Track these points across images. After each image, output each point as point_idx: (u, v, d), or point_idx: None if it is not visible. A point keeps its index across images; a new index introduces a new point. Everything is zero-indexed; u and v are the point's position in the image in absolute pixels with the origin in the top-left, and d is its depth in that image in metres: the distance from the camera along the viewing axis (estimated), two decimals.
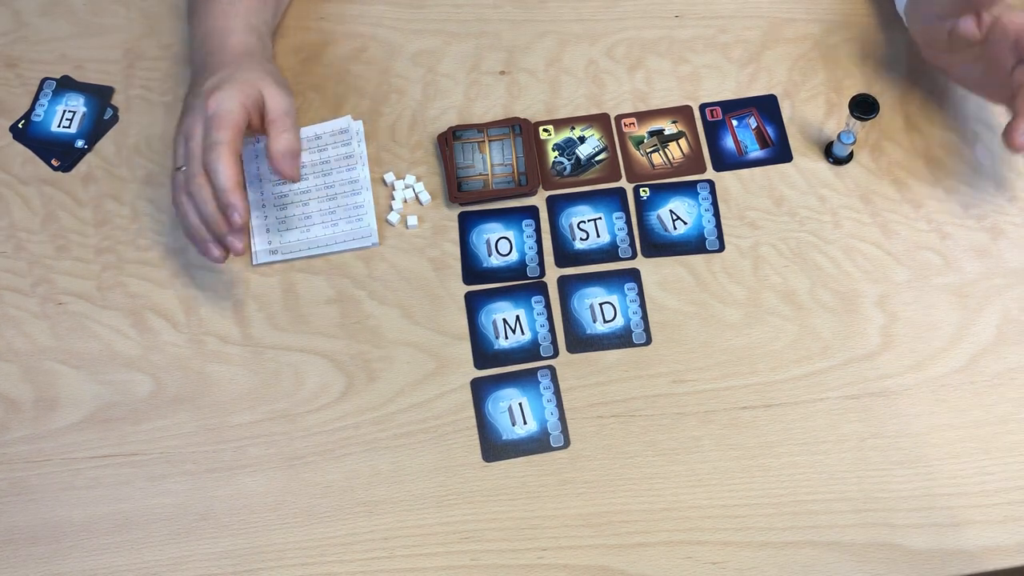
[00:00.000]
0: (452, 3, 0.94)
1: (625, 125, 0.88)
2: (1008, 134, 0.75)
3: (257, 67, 0.79)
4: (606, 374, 0.79)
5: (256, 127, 0.78)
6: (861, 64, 0.90)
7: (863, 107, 0.80)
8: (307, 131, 0.87)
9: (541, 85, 0.90)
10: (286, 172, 0.77)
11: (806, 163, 0.86)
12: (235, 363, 0.80)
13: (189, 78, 0.83)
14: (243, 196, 0.74)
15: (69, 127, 0.89)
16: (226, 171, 0.73)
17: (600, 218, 0.84)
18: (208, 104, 0.75)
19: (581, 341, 0.80)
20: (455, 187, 0.85)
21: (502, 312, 0.81)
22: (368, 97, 0.89)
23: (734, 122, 0.88)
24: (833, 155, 0.86)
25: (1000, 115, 0.87)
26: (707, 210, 0.84)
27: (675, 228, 0.84)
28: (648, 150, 0.87)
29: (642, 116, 0.88)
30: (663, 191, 0.85)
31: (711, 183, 0.85)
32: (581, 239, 0.84)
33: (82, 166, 0.87)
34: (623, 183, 0.86)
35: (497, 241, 0.84)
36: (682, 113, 0.88)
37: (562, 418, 0.77)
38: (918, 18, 0.82)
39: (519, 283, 0.82)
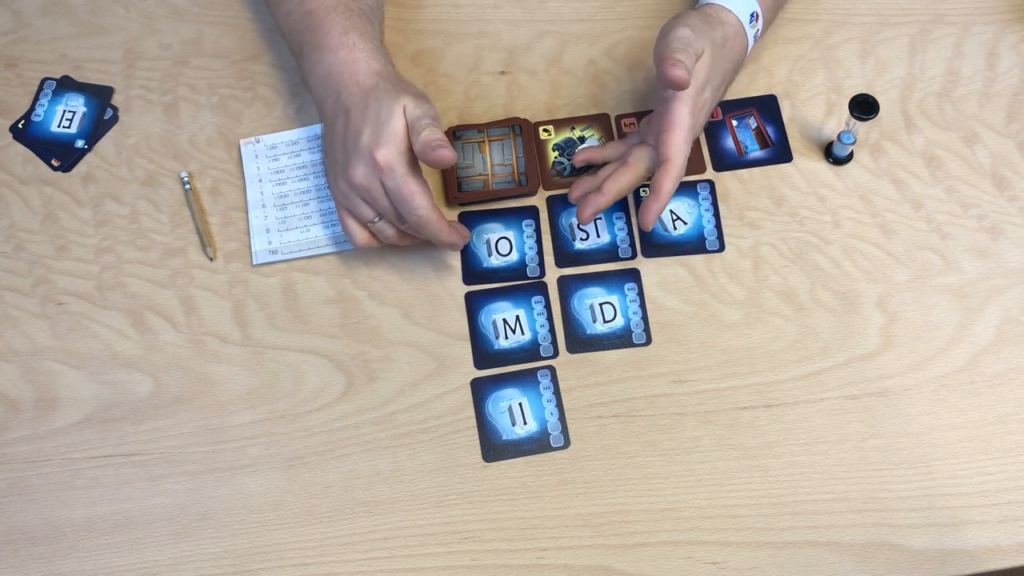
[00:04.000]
0: (452, 3, 0.94)
1: (625, 125, 0.88)
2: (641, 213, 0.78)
3: (391, 92, 0.76)
4: (606, 374, 0.79)
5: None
6: (861, 64, 0.90)
7: (863, 107, 0.80)
8: (307, 131, 0.87)
9: (541, 85, 0.90)
10: (433, 159, 0.74)
11: (806, 163, 0.86)
12: (235, 363, 0.80)
13: (319, 116, 0.82)
14: (460, 233, 0.79)
15: (69, 127, 0.89)
16: (440, 232, 0.77)
17: (600, 218, 0.84)
18: (382, 169, 0.74)
19: (581, 341, 0.80)
20: (455, 187, 0.85)
21: (502, 312, 0.81)
22: None
23: (734, 122, 0.88)
24: (833, 155, 0.86)
25: (1000, 117, 0.87)
26: (707, 210, 0.84)
27: (675, 228, 0.84)
28: None
29: (642, 116, 0.88)
30: None
31: (711, 183, 0.85)
32: (581, 239, 0.84)
33: (82, 166, 0.87)
34: None
35: (497, 241, 0.84)
36: None
37: (562, 418, 0.77)
38: None
39: (519, 283, 0.82)
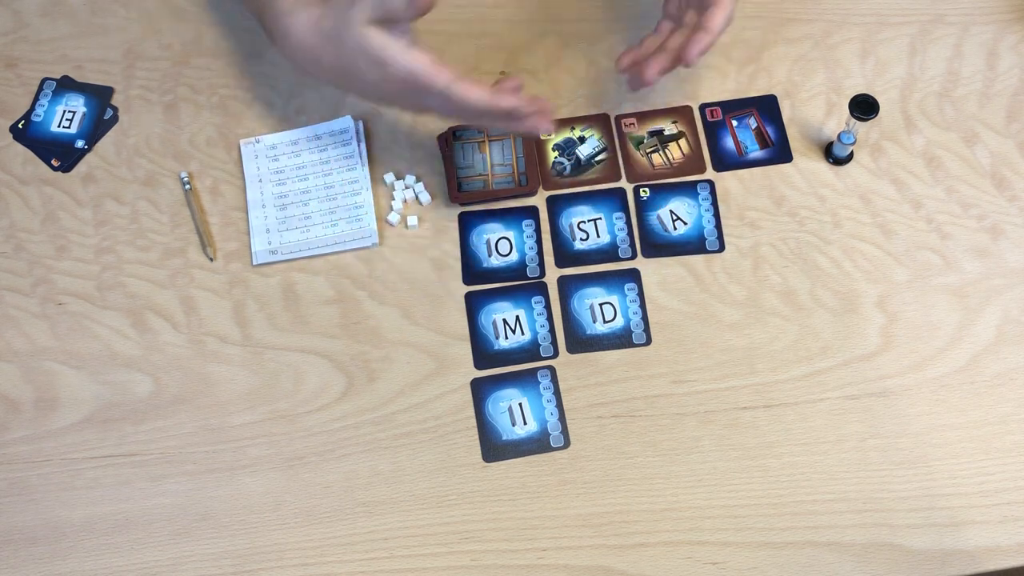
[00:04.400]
0: (452, 3, 0.94)
1: (625, 125, 0.88)
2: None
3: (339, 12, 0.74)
4: (606, 374, 0.79)
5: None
6: (861, 64, 0.90)
7: (863, 107, 0.80)
8: (307, 131, 0.87)
9: (541, 85, 0.90)
10: (422, 3, 0.72)
11: (806, 163, 0.86)
12: (235, 363, 0.80)
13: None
14: (509, 94, 0.73)
15: (69, 127, 0.89)
16: (477, 100, 0.73)
17: (600, 218, 0.84)
18: (390, 66, 0.72)
19: (581, 341, 0.80)
20: (455, 187, 0.85)
21: (502, 312, 0.81)
22: None
23: (734, 122, 0.88)
24: (833, 155, 0.86)
25: (1000, 117, 0.87)
26: (707, 210, 0.84)
27: (675, 228, 0.84)
28: (648, 150, 0.87)
29: (642, 116, 0.88)
30: (663, 191, 0.85)
31: (711, 183, 0.85)
32: (581, 239, 0.84)
33: (82, 166, 0.87)
34: (623, 183, 0.86)
35: (497, 241, 0.84)
36: (682, 113, 0.88)
37: (562, 418, 0.77)
38: None
39: (519, 283, 0.82)
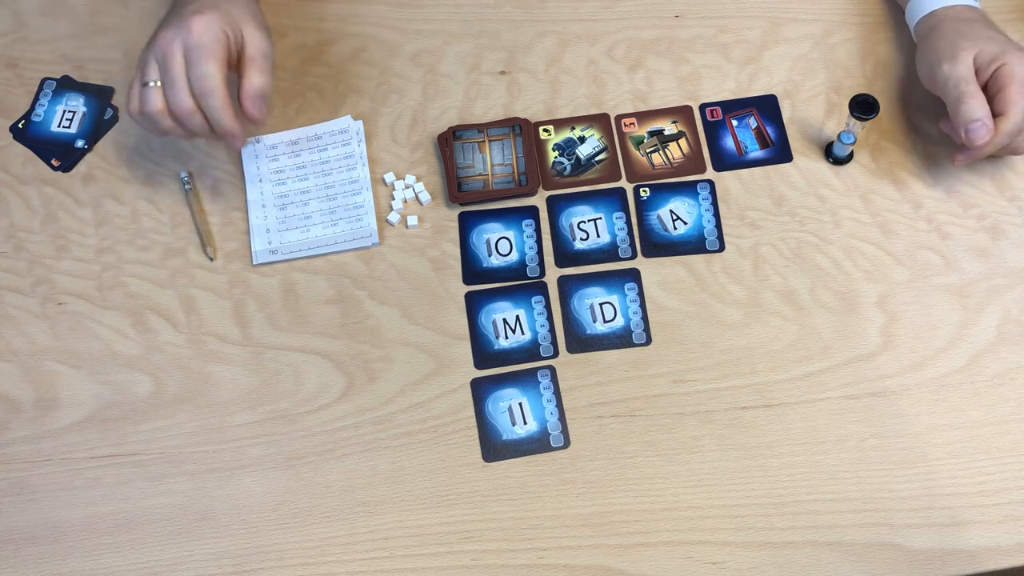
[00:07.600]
0: (452, 3, 0.94)
1: (625, 125, 0.88)
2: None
3: (242, 4, 0.78)
4: (606, 374, 0.79)
5: (231, 65, 0.78)
6: (861, 64, 0.90)
7: (863, 107, 0.80)
8: (307, 131, 0.87)
9: (541, 85, 0.90)
10: (253, 113, 0.77)
11: (806, 163, 0.86)
12: (235, 363, 0.80)
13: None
14: (240, 123, 0.77)
15: (69, 127, 0.89)
16: (225, 111, 0.75)
17: (600, 218, 0.84)
18: (192, 29, 0.74)
19: (581, 341, 0.80)
20: (455, 187, 0.85)
21: (502, 312, 0.81)
22: (368, 97, 0.89)
23: (734, 122, 0.88)
24: (833, 155, 0.86)
25: None
26: (707, 210, 0.84)
27: (675, 228, 0.84)
28: (648, 150, 0.87)
29: (642, 116, 0.88)
30: (663, 191, 0.85)
31: (711, 183, 0.85)
32: (581, 239, 0.84)
33: (82, 166, 0.87)
34: (623, 183, 0.86)
35: (497, 241, 0.84)
36: (682, 113, 0.88)
37: (562, 418, 0.77)
38: (921, 68, 0.84)
39: (519, 283, 0.82)
